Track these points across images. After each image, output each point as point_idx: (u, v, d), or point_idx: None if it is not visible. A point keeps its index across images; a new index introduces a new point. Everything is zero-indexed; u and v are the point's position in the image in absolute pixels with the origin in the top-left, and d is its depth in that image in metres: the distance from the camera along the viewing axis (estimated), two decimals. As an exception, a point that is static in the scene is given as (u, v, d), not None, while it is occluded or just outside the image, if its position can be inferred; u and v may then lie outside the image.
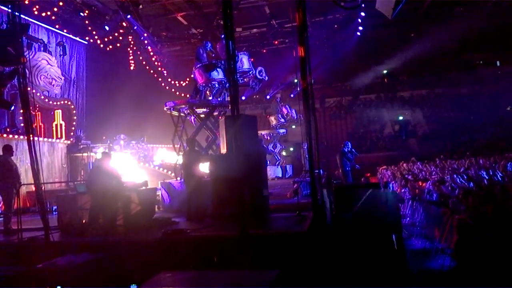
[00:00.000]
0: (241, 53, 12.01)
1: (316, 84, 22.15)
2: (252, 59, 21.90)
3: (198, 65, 11.65)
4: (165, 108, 11.98)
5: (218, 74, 11.35)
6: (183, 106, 11.57)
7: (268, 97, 24.50)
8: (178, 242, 6.71)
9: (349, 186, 10.01)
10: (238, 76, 10.28)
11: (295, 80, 23.81)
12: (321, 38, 22.53)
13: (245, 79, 12.48)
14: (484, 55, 29.41)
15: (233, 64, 6.78)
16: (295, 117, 18.53)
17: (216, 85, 11.71)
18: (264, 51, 22.98)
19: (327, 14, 20.27)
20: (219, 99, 11.98)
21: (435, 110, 29.27)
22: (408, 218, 12.44)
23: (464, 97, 29.11)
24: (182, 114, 11.90)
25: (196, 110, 11.62)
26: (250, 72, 12.19)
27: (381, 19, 21.20)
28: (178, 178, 10.80)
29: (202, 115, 11.78)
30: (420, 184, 13.10)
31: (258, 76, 12.43)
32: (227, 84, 10.81)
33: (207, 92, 12.39)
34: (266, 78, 13.21)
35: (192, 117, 12.07)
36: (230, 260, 6.13)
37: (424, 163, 19.31)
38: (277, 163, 18.02)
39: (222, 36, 19.02)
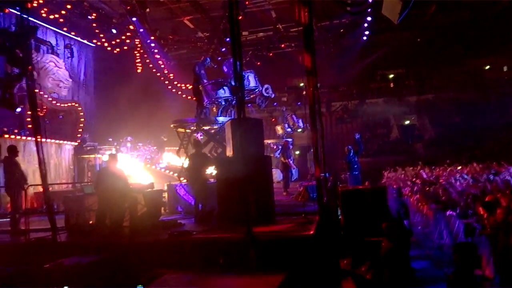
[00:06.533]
0: (248, 71, 12.13)
1: (322, 88, 22.17)
2: (258, 63, 22.08)
3: (205, 83, 11.79)
4: (171, 126, 12.17)
5: (224, 93, 11.49)
6: (189, 123, 11.79)
7: (275, 104, 24.56)
8: (184, 243, 6.72)
9: (355, 190, 9.98)
10: (244, 93, 10.35)
11: (301, 84, 23.85)
12: (327, 43, 22.54)
13: (251, 96, 12.57)
14: (491, 61, 29.26)
15: (239, 63, 6.79)
16: (302, 126, 18.57)
17: (223, 103, 11.85)
18: (271, 54, 23.00)
19: (333, 18, 20.27)
20: (226, 116, 12.09)
21: (441, 115, 29.14)
22: (419, 227, 12.41)
23: (470, 102, 28.98)
24: (188, 130, 12.06)
25: (203, 126, 11.83)
26: (256, 90, 12.30)
27: (387, 24, 21.25)
28: (185, 181, 10.83)
29: (212, 131, 11.97)
30: (428, 189, 13.06)
31: (265, 94, 12.52)
32: (234, 102, 10.98)
33: (214, 109, 12.51)
34: (273, 95, 13.31)
35: (199, 134, 12.22)
36: (236, 262, 6.13)
37: (431, 168, 19.26)
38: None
39: (220, 57, 19.38)
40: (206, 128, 12.03)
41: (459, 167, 18.24)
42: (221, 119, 11.63)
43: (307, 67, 7.38)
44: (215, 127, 11.86)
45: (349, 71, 27.92)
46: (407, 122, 29.89)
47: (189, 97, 20.79)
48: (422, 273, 8.28)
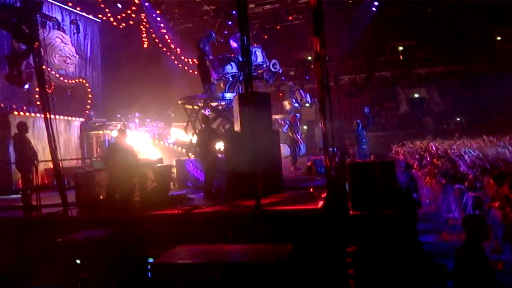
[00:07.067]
0: (255, 46, 11.98)
1: (330, 61, 21.89)
2: (265, 36, 21.78)
3: (211, 59, 11.67)
4: (179, 102, 12.13)
5: (232, 68, 11.38)
6: (197, 100, 11.74)
7: (282, 78, 24.32)
8: (193, 218, 6.80)
9: (364, 163, 9.97)
10: (252, 69, 10.25)
11: (309, 58, 23.56)
12: (335, 14, 22.13)
13: (259, 71, 12.44)
14: (503, 32, 28.65)
15: (246, 38, 6.71)
16: (310, 101, 18.45)
17: (230, 79, 11.75)
18: (278, 27, 22.66)
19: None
20: (233, 92, 12.00)
21: (451, 87, 28.77)
22: (427, 201, 12.45)
23: (481, 75, 28.53)
24: (195, 107, 12.03)
25: (210, 103, 11.78)
26: (263, 65, 12.16)
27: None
28: (193, 156, 10.89)
29: (219, 107, 11.93)
30: (436, 162, 13.01)
31: (272, 69, 12.37)
32: (241, 78, 10.88)
33: (221, 84, 12.42)
34: (280, 70, 13.16)
35: (207, 110, 12.19)
36: (245, 236, 6.20)
37: (440, 141, 19.15)
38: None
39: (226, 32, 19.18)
40: (213, 104, 12.01)
41: (469, 140, 18.12)
42: (228, 95, 11.58)
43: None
44: (223, 103, 11.82)
45: (358, 44, 27.49)
46: (416, 95, 29.56)
47: (195, 72, 20.68)
48: (431, 247, 8.34)
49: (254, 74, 11.93)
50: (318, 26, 7.04)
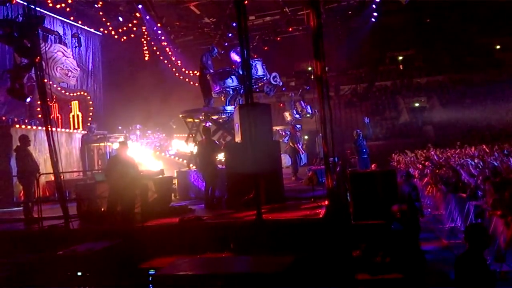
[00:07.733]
0: (255, 59, 12.06)
1: (330, 72, 22.00)
2: (265, 48, 21.91)
3: (212, 73, 11.77)
4: (180, 116, 12.19)
5: (232, 82, 11.45)
6: (198, 113, 11.80)
7: (283, 89, 24.38)
8: (195, 229, 6.79)
9: (365, 173, 9.96)
10: (252, 82, 10.29)
11: (309, 68, 23.69)
12: (335, 25, 22.27)
13: (259, 84, 12.52)
14: (502, 40, 28.81)
15: (246, 46, 6.76)
16: (310, 112, 18.51)
17: (231, 92, 11.83)
18: (278, 38, 22.80)
19: (341, 0, 20.04)
20: (234, 105, 12.06)
21: (451, 96, 28.85)
22: (429, 210, 12.42)
23: (481, 83, 28.63)
24: (196, 120, 12.10)
25: (211, 116, 11.84)
26: (264, 78, 12.24)
27: (395, 5, 20.96)
28: (194, 167, 10.90)
29: (220, 120, 11.99)
30: (438, 171, 13.00)
31: (272, 82, 12.42)
32: (242, 91, 10.94)
33: (222, 98, 12.50)
34: (281, 83, 13.21)
35: (207, 123, 12.28)
36: (246, 246, 6.19)
37: (441, 150, 19.14)
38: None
39: (226, 44, 19.34)
40: (214, 117, 12.06)
41: (470, 149, 18.10)
42: (229, 108, 11.63)
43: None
44: (224, 116, 11.87)
45: (358, 54, 27.64)
46: (417, 105, 29.63)
47: (196, 84, 20.78)
48: (433, 255, 8.32)
49: (254, 87, 11.97)
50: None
